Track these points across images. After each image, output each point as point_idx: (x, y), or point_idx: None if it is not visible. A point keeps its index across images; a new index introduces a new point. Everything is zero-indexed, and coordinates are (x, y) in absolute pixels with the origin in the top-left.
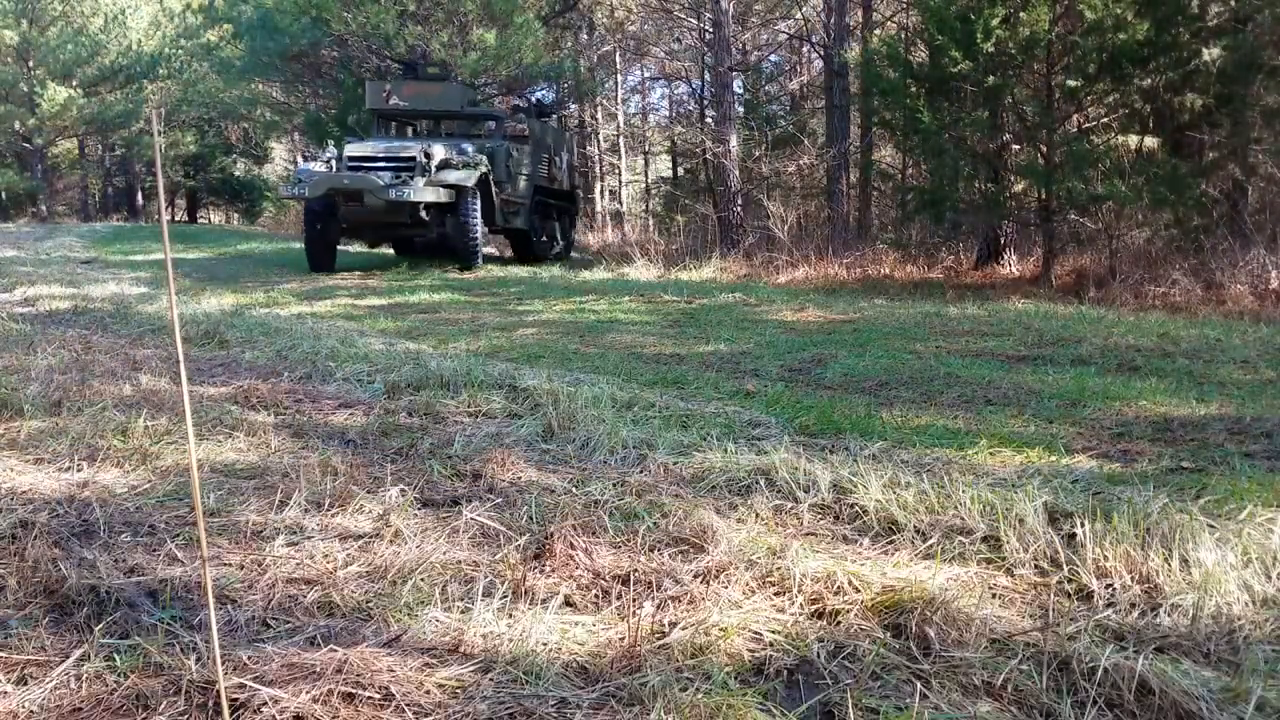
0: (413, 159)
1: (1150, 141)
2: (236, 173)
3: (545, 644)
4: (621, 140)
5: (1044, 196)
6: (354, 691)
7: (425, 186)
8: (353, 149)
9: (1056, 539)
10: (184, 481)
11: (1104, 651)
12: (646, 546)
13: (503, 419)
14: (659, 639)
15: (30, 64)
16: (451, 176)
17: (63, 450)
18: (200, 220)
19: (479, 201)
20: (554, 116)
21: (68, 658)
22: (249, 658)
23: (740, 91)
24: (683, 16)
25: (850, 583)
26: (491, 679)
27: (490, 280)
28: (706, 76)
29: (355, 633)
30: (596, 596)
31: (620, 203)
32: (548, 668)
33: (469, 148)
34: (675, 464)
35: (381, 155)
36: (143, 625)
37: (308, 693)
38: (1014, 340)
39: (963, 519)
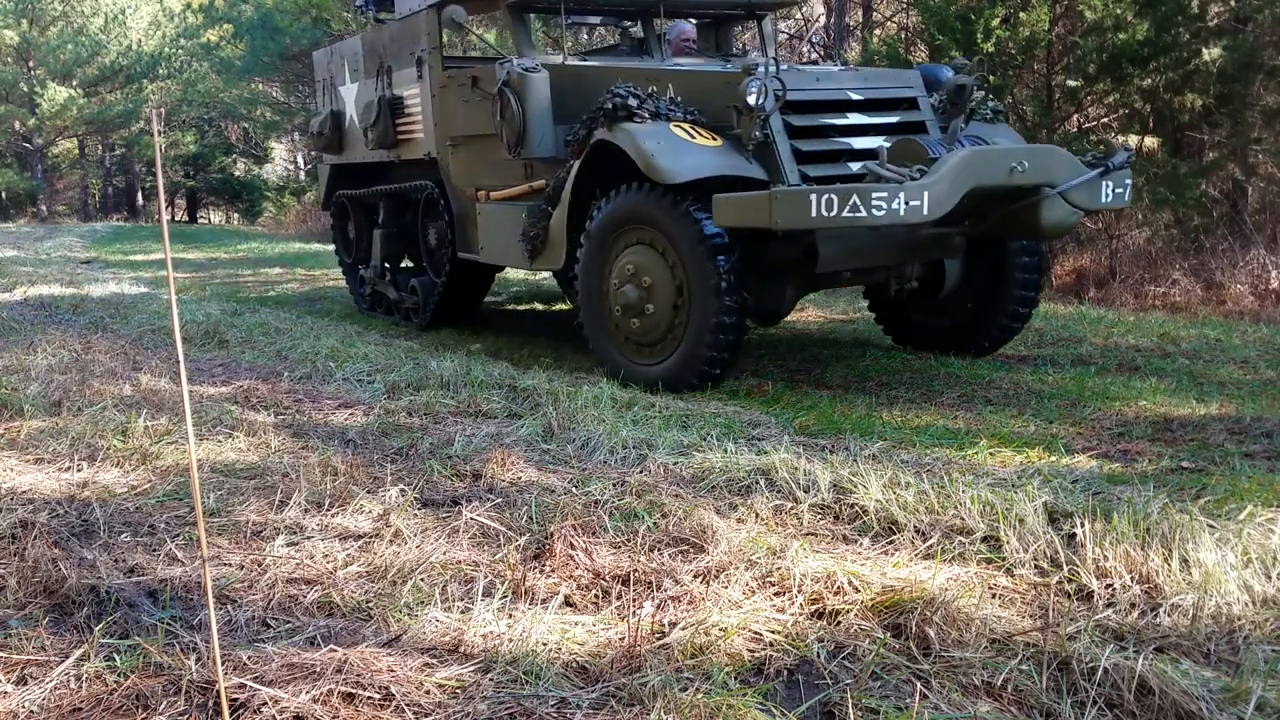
0: (914, 100)
1: (1150, 141)
2: (236, 173)
3: (545, 644)
4: None
5: None
6: (354, 691)
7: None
8: (798, 80)
9: (1056, 539)
10: (184, 481)
11: (1104, 651)
12: (646, 546)
13: (503, 419)
14: (659, 639)
15: (30, 64)
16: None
17: (63, 450)
18: (200, 220)
19: None
20: None
21: (68, 658)
22: (249, 658)
23: None
24: None
25: (850, 583)
26: (491, 679)
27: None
28: None
29: (355, 633)
30: (596, 596)
31: None
32: (548, 668)
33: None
34: (675, 464)
35: (861, 97)
36: (143, 625)
37: (308, 693)
38: (1014, 340)
39: (963, 519)
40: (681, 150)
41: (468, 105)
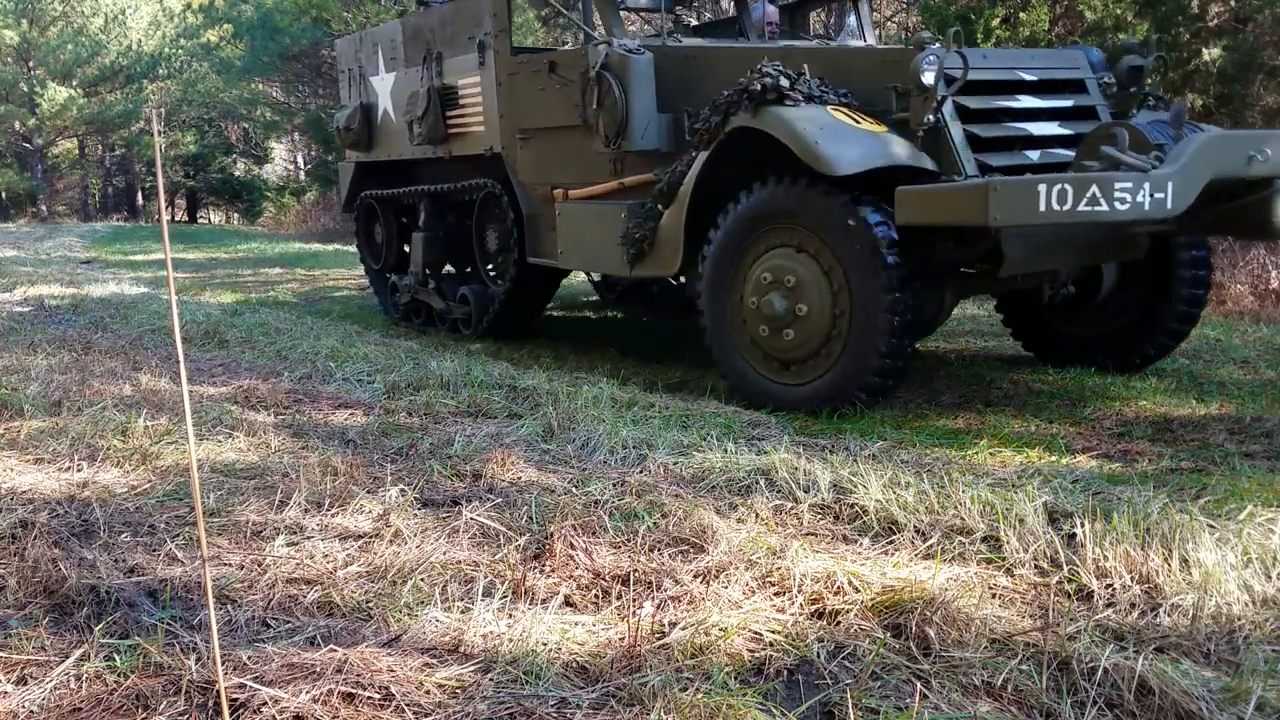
0: (1082, 82)
1: None
2: (236, 173)
3: (545, 644)
4: None
5: None
6: (354, 691)
7: None
8: (975, 59)
9: (1056, 539)
10: (184, 481)
11: (1104, 651)
12: (646, 546)
13: (503, 419)
14: (659, 639)
15: (30, 64)
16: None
17: (63, 450)
18: (200, 220)
19: None
20: None
21: (68, 658)
22: (249, 658)
23: None
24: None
25: (850, 583)
26: (491, 679)
27: None
28: None
29: (355, 633)
30: (596, 596)
31: None
32: (548, 668)
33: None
34: (675, 464)
35: (1033, 77)
36: (143, 625)
37: (308, 693)
38: (1014, 340)
39: (963, 519)
40: (847, 137)
41: (543, 94)
